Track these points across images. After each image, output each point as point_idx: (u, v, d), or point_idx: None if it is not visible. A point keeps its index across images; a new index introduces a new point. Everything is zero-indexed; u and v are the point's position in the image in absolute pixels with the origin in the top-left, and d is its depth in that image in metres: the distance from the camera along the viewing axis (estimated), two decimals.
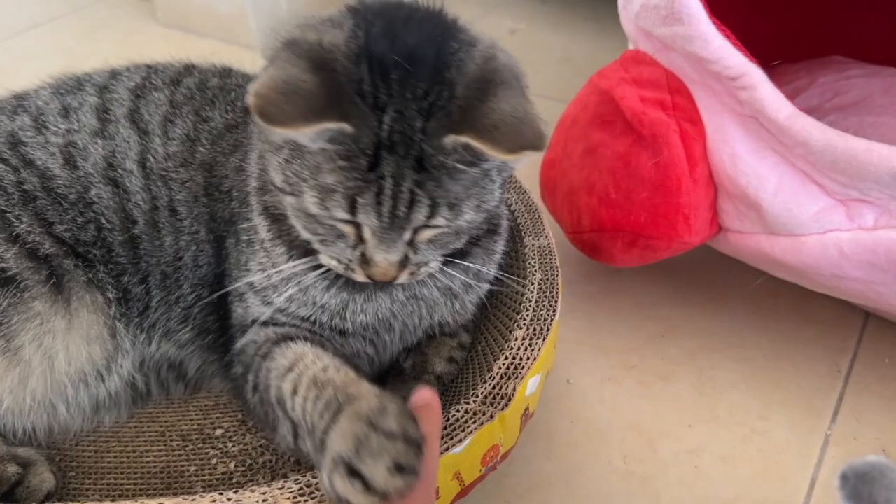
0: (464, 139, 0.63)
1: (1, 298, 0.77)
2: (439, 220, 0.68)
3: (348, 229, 0.69)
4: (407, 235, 0.69)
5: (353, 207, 0.66)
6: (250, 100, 0.61)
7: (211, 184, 0.86)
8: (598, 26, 1.88)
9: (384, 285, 0.78)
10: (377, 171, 0.64)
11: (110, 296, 0.84)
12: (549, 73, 1.72)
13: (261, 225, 0.80)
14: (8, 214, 0.81)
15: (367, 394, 0.64)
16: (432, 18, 0.72)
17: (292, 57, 0.65)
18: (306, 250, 0.76)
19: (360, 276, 0.72)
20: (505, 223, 0.89)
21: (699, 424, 0.97)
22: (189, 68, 0.95)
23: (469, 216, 0.69)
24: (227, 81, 0.93)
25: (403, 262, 0.71)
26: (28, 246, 0.80)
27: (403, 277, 0.73)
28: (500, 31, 1.88)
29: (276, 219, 0.78)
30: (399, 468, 0.58)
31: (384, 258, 0.69)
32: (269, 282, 0.80)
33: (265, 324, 0.82)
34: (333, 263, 0.73)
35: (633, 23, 1.00)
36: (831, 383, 1.01)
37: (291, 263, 0.77)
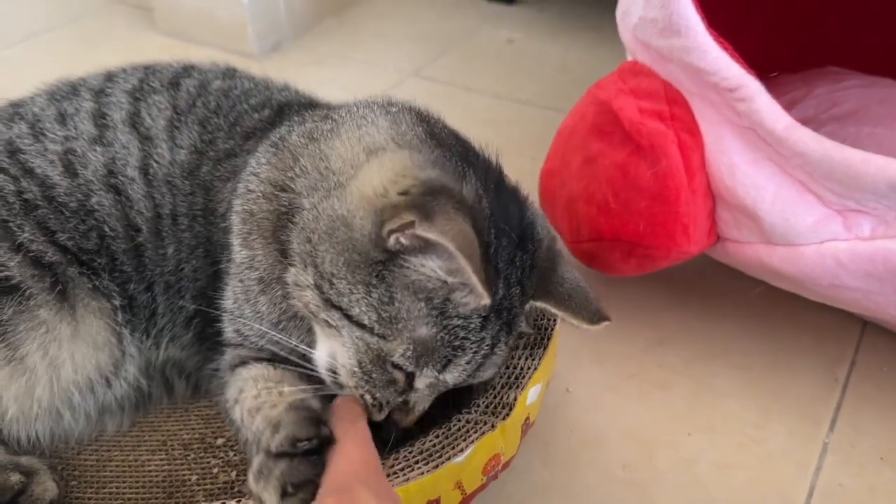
0: (541, 304, 0.69)
1: (6, 307, 0.77)
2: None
3: (400, 376, 0.68)
4: None
5: (446, 366, 0.67)
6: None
7: (207, 207, 0.85)
8: (595, 36, 1.89)
9: None
10: (482, 333, 0.67)
11: (116, 302, 0.84)
12: (546, 82, 1.73)
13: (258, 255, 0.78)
14: (10, 224, 0.80)
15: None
16: (504, 179, 0.76)
17: (450, 209, 0.62)
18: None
19: (379, 416, 0.71)
20: None
21: (697, 432, 0.97)
22: (188, 69, 0.95)
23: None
24: (231, 85, 0.92)
25: None
26: (32, 254, 0.80)
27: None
28: (498, 41, 1.90)
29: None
30: (294, 486, 0.61)
31: (423, 408, 0.71)
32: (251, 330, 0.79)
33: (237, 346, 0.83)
34: (367, 399, 0.69)
35: (632, 34, 1.01)
36: (829, 392, 1.02)
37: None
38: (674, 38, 0.91)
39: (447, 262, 0.62)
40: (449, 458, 0.72)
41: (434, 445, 0.74)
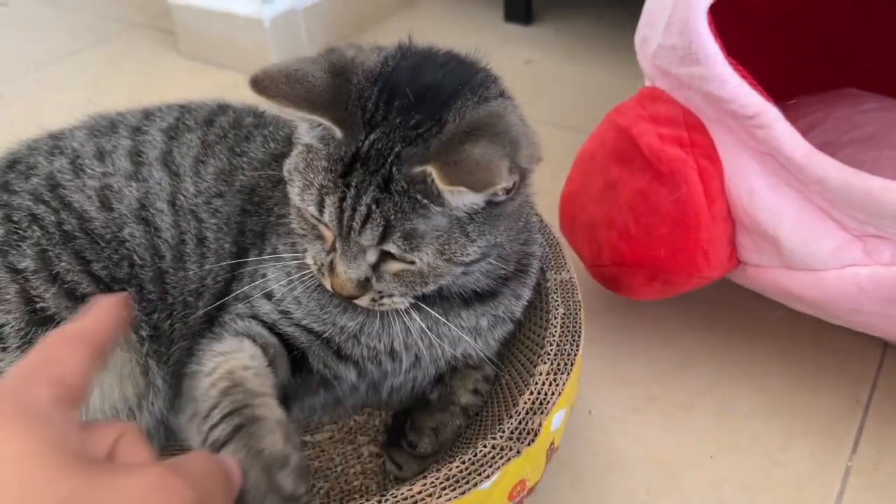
0: (428, 168, 0.66)
1: (40, 337, 0.78)
2: (392, 247, 0.69)
3: (327, 234, 0.73)
4: (370, 257, 0.72)
5: (321, 207, 0.70)
6: (251, 76, 0.67)
7: (252, 202, 0.90)
8: (613, 56, 1.90)
9: (398, 312, 0.81)
10: (346, 179, 0.68)
11: (143, 334, 0.86)
12: (565, 103, 1.74)
13: (299, 243, 0.83)
14: (49, 253, 0.83)
15: (274, 427, 0.65)
16: (464, 68, 0.75)
17: (319, 58, 0.71)
18: None
19: (326, 283, 0.75)
20: (536, 264, 0.91)
21: (721, 455, 0.98)
22: (223, 107, 0.98)
23: (429, 259, 0.70)
24: (261, 119, 0.97)
25: (364, 285, 0.73)
26: (67, 286, 0.82)
27: (364, 301, 0.75)
28: (516, 62, 1.91)
29: None
30: None
31: (344, 271, 0.72)
32: (291, 293, 0.83)
33: (257, 319, 0.85)
34: (311, 264, 0.77)
35: (650, 61, 1.02)
36: (851, 413, 1.02)
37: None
38: (693, 67, 0.92)
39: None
40: (475, 485, 0.74)
41: (460, 472, 0.75)
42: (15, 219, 0.85)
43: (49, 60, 2.03)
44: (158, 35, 2.13)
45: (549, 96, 1.77)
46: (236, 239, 0.89)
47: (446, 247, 0.70)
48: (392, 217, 0.68)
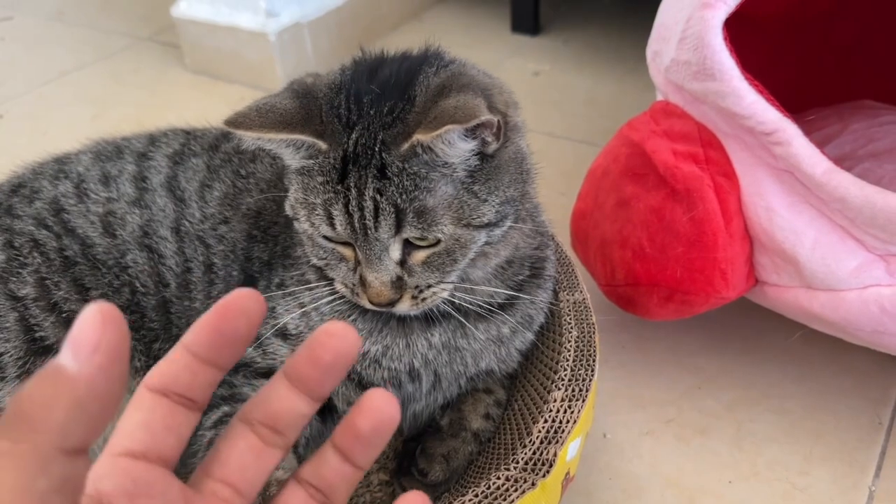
0: (414, 138, 0.67)
1: (39, 367, 0.77)
2: (410, 231, 0.69)
3: (347, 252, 0.73)
4: (394, 253, 0.71)
5: (331, 221, 0.70)
6: (224, 120, 0.68)
7: (258, 227, 0.89)
8: (622, 67, 1.88)
9: (422, 328, 0.81)
10: (345, 183, 0.69)
11: (137, 364, 0.84)
12: (574, 114, 1.72)
13: (309, 273, 0.82)
14: (48, 281, 0.82)
15: None
16: (415, 55, 0.77)
17: (282, 91, 0.73)
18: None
19: (365, 302, 0.74)
20: (551, 268, 0.91)
21: (739, 480, 0.95)
22: (227, 134, 0.97)
23: (449, 230, 0.71)
24: None
25: (398, 285, 0.73)
26: (64, 315, 0.81)
27: (406, 303, 0.74)
28: (524, 74, 1.89)
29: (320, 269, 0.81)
30: None
31: (375, 277, 0.71)
32: (307, 325, 0.82)
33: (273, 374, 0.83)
34: (344, 290, 0.76)
35: (663, 76, 1.00)
36: (873, 436, 1.00)
37: (333, 297, 0.79)
38: (708, 82, 0.90)
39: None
40: None
41: None
42: (16, 245, 0.83)
43: (54, 75, 2.02)
44: (163, 49, 2.12)
45: (558, 108, 1.75)
46: (243, 266, 0.88)
47: (461, 212, 0.71)
48: (399, 201, 0.68)
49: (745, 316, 1.14)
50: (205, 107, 1.80)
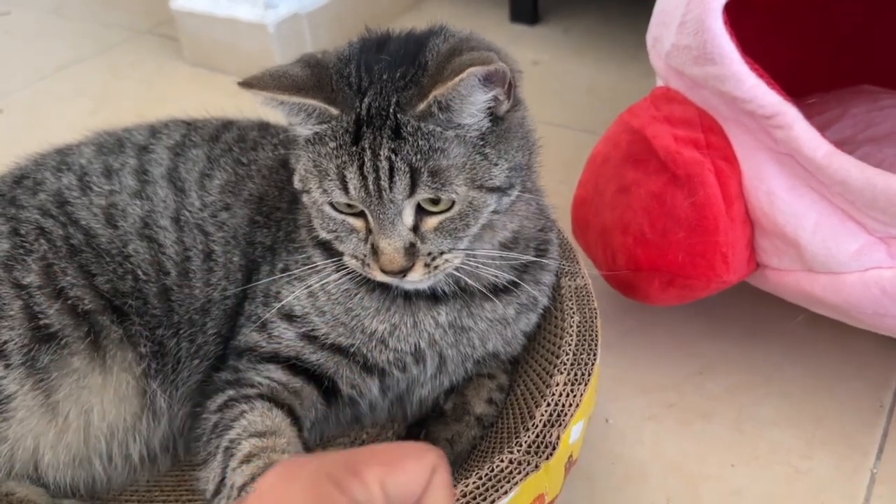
0: (431, 96, 0.68)
1: (43, 354, 0.78)
2: (424, 191, 0.70)
3: (358, 223, 0.74)
4: (407, 218, 0.72)
5: (345, 185, 0.70)
6: (240, 82, 0.70)
7: (260, 212, 0.89)
8: (622, 55, 1.88)
9: (429, 306, 0.81)
10: (359, 145, 0.69)
11: (143, 350, 0.84)
12: (574, 103, 1.72)
13: (314, 255, 0.83)
14: (54, 266, 0.82)
15: None
16: (421, 30, 0.79)
17: (293, 62, 0.74)
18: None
19: (377, 273, 0.74)
20: (554, 251, 0.91)
21: (741, 464, 0.96)
22: (227, 124, 0.98)
23: (463, 191, 0.71)
24: (267, 131, 0.97)
25: (411, 251, 0.73)
26: (69, 301, 0.81)
27: (419, 271, 0.74)
28: (523, 63, 1.87)
29: (326, 246, 0.81)
30: None
31: (388, 244, 0.72)
32: (313, 305, 0.82)
33: (278, 359, 0.83)
34: (353, 263, 0.76)
35: (664, 61, 1.00)
36: (874, 419, 1.00)
37: (340, 274, 0.80)
38: (708, 66, 0.90)
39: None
40: (493, 501, 0.71)
41: (478, 488, 0.73)
42: (22, 232, 0.84)
43: (53, 69, 2.02)
44: (162, 42, 2.12)
45: (558, 98, 1.75)
46: (245, 251, 0.88)
47: (473, 173, 0.71)
48: (413, 160, 0.69)
49: (746, 301, 1.14)
50: (204, 99, 1.78)
